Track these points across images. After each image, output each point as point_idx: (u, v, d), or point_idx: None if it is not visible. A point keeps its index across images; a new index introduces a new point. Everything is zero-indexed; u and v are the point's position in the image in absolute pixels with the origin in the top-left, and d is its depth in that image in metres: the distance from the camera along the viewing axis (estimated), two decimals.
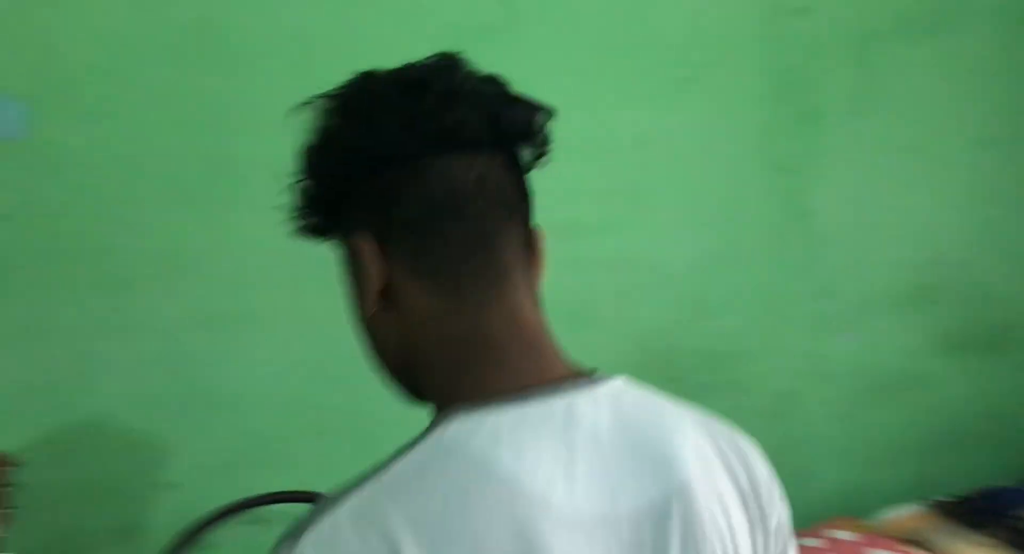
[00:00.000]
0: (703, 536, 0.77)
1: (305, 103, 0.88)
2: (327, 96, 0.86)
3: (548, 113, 0.85)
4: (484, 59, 2.02)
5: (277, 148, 1.92)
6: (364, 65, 1.93)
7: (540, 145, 0.86)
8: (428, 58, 0.85)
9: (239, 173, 1.88)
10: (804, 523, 2.43)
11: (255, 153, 1.89)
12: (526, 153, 0.86)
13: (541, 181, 2.06)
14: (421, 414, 0.83)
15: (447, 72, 0.83)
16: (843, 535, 2.27)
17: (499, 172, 0.83)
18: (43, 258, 1.79)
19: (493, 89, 0.84)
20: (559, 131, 2.08)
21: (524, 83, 2.03)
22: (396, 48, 1.92)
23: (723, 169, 2.30)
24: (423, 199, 0.79)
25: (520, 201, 0.86)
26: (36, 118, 1.76)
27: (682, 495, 0.78)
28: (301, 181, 0.88)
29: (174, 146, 1.84)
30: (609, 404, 0.80)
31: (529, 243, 0.87)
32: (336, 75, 1.92)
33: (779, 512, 0.88)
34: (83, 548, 1.87)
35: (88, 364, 1.83)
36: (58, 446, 1.84)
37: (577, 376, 0.81)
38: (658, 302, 2.29)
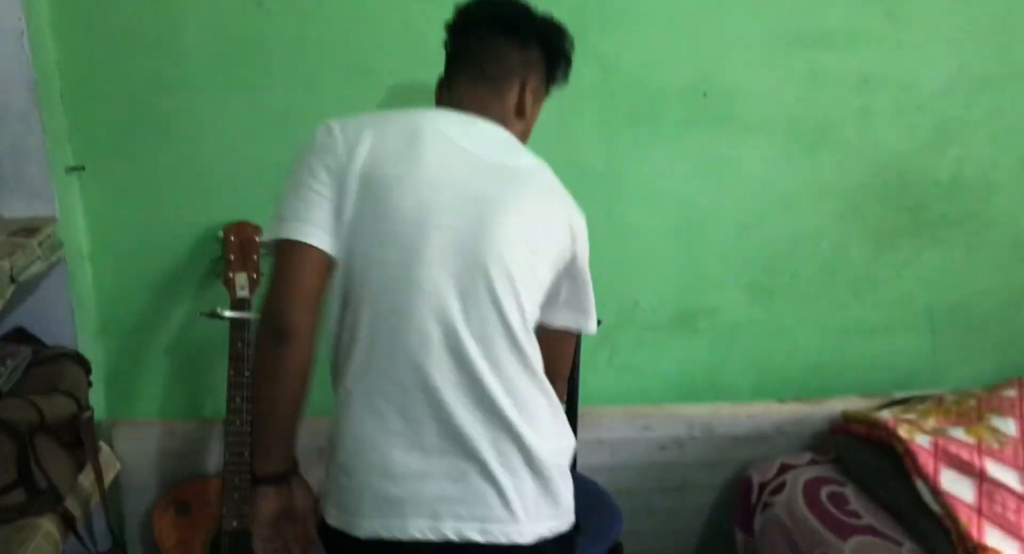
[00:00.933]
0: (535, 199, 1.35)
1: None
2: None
3: (565, 34, 1.50)
4: None
5: None
6: None
7: (555, 49, 1.48)
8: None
9: None
10: None
11: None
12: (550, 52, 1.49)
13: None
14: None
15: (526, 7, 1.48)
16: None
17: (520, 53, 1.44)
18: (296, 47, 1.87)
19: (543, 18, 1.47)
20: None
21: None
22: None
23: None
24: (472, 47, 1.45)
25: (524, 67, 1.44)
26: None
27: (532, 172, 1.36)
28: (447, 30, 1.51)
29: None
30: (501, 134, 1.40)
31: (522, 87, 1.44)
32: None
33: None
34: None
35: None
36: None
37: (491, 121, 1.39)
38: (903, 124, 2.14)
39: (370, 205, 1.24)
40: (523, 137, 1.48)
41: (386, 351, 1.24)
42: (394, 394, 1.24)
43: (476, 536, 1.23)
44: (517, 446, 1.26)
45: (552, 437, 1.32)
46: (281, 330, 1.22)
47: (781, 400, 2.29)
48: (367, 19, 1.87)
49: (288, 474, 1.29)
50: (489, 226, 1.25)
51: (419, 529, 1.23)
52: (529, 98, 1.45)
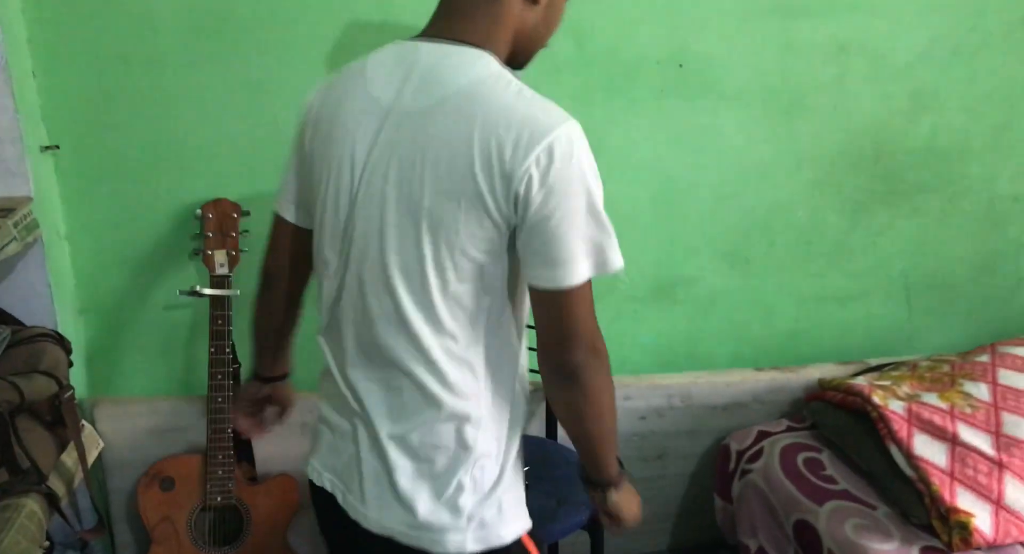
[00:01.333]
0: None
1: None
2: None
3: None
4: None
5: None
6: None
7: None
8: None
9: None
10: (1014, 335, 2.35)
11: None
12: None
13: None
14: None
15: None
16: None
17: None
18: (268, 20, 1.85)
19: None
20: None
21: None
22: None
23: None
24: None
25: None
26: None
27: (441, 106, 1.14)
28: None
29: None
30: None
31: None
32: None
33: None
34: None
35: None
36: None
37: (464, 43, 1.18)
38: (877, 93, 2.16)
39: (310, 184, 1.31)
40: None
41: (321, 315, 1.34)
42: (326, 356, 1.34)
43: (339, 497, 1.30)
44: (376, 439, 1.24)
45: (418, 440, 1.21)
46: (262, 278, 1.45)
47: (758, 368, 2.31)
48: None
49: (273, 379, 1.52)
50: (364, 210, 1.18)
51: (313, 468, 1.35)
52: None
